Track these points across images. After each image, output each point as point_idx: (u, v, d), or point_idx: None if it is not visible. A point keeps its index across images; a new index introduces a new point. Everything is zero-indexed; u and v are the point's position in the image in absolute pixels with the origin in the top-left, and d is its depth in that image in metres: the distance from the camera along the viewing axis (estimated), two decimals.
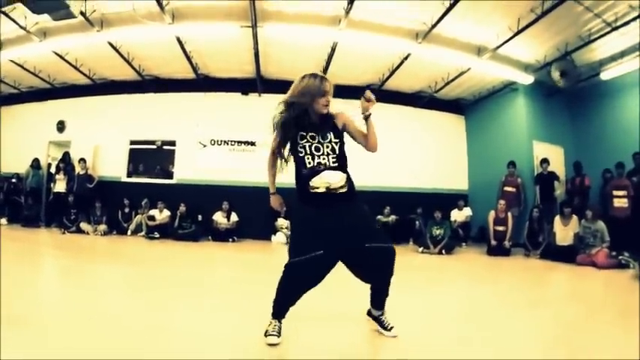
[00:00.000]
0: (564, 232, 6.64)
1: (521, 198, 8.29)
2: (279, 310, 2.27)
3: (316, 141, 2.27)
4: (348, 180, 2.29)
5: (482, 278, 5.29)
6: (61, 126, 10.31)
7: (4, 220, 9.32)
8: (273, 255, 7.15)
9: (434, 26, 6.62)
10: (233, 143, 9.60)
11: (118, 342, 2.16)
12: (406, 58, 7.83)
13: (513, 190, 8.28)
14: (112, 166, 9.80)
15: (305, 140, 2.27)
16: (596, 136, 8.60)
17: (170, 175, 9.92)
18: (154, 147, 9.95)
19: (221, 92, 9.61)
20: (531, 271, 5.79)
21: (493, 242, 7.24)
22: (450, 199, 8.92)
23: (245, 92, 9.53)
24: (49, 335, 2.20)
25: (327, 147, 2.27)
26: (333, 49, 7.61)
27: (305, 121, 2.27)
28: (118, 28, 7.13)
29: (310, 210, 2.26)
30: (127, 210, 9.00)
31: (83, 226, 8.54)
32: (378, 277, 2.34)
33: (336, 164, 2.25)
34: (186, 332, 2.37)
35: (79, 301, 3.06)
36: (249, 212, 8.62)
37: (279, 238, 8.58)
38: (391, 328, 2.40)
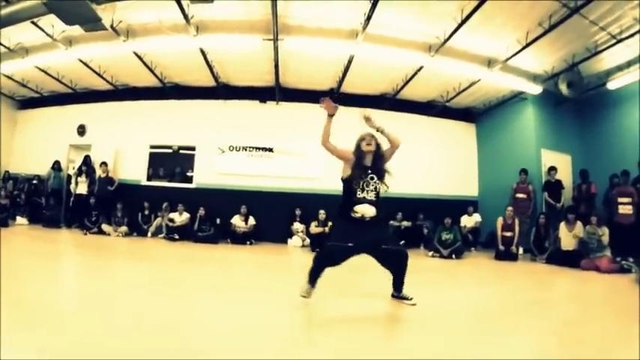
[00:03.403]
0: (569, 237, 6.88)
1: (531, 204, 8.44)
2: (312, 279, 3.13)
3: (367, 178, 3.20)
4: (379, 210, 3.19)
5: (489, 281, 5.52)
6: (81, 130, 10.55)
7: (25, 220, 9.50)
8: (289, 257, 7.43)
9: (446, 40, 6.87)
10: (251, 149, 9.78)
11: (141, 337, 2.34)
12: (419, 69, 8.09)
13: (524, 196, 8.47)
14: (133, 170, 10.01)
15: (360, 177, 3.19)
16: (602, 144, 8.77)
17: (190, 180, 10.11)
18: (170, 151, 10.17)
19: (240, 100, 9.84)
20: (536, 274, 6.00)
21: (501, 247, 7.47)
22: (461, 206, 9.11)
23: (263, 100, 9.72)
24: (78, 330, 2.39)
25: (372, 186, 3.20)
26: (349, 61, 7.85)
27: (362, 163, 3.24)
28: (143, 38, 7.34)
29: (347, 225, 3.18)
30: (146, 212, 9.15)
31: (104, 227, 8.70)
32: (395, 269, 3.28)
33: (374, 199, 3.19)
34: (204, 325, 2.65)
35: (106, 297, 3.32)
36: (266, 216, 8.87)
37: (295, 242, 8.82)
38: (411, 298, 3.29)
